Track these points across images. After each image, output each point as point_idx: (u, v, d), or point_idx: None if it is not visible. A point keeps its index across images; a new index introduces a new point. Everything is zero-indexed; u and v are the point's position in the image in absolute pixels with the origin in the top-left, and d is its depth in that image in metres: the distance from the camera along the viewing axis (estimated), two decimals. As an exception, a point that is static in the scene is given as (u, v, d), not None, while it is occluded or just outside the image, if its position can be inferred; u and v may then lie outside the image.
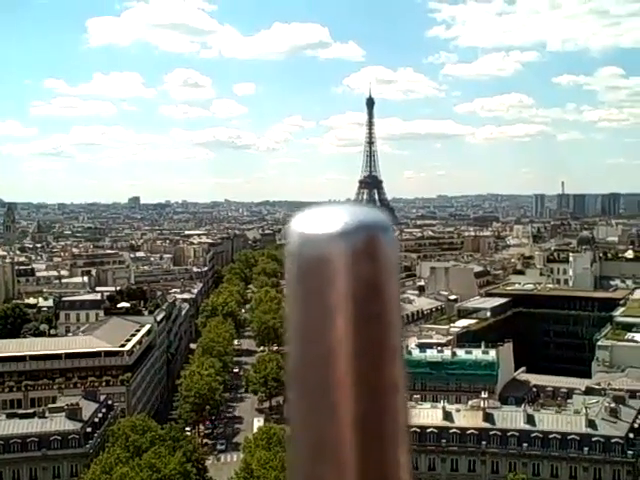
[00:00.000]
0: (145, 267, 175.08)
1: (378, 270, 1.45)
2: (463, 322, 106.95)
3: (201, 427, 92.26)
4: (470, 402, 68.54)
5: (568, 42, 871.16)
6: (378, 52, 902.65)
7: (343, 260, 1.43)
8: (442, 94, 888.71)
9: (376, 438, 1.35)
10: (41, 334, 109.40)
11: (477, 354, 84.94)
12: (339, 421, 1.33)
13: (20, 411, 72.61)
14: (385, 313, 1.44)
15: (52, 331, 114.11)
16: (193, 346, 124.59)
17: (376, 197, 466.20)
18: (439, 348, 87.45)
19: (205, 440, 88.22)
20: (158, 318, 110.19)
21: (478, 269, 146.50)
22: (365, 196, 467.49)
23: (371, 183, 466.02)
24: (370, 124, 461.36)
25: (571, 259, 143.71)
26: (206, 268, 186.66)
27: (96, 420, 71.00)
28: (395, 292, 1.48)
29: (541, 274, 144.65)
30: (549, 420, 64.33)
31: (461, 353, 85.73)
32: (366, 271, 1.43)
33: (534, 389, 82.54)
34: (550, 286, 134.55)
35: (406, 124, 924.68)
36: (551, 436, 62.31)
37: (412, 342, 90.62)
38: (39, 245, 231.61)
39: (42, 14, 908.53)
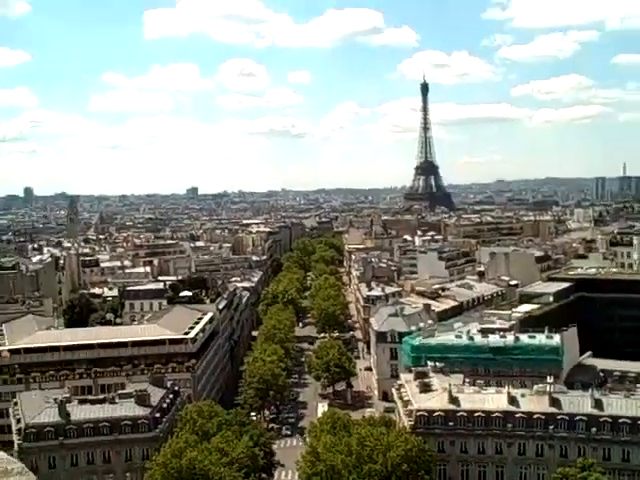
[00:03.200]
0: (205, 256, 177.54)
1: None
2: (525, 307, 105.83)
3: (266, 412, 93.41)
4: (535, 387, 67.86)
5: (628, 19, 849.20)
6: (432, 36, 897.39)
7: None
8: (498, 77, 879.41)
9: None
10: (107, 323, 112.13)
11: (541, 339, 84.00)
12: None
13: (91, 397, 74.40)
14: None
15: (118, 320, 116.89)
16: (255, 333, 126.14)
17: (432, 183, 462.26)
18: (502, 333, 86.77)
19: (271, 425, 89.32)
20: (220, 306, 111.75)
21: (539, 254, 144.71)
22: (421, 182, 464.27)
23: (427, 169, 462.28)
24: (425, 110, 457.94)
25: (635, 242, 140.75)
26: (265, 257, 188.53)
27: (164, 405, 72.34)
28: None
29: (604, 258, 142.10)
30: (618, 405, 63.29)
31: (524, 338, 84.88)
32: None
33: (601, 374, 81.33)
34: (614, 270, 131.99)
35: (461, 109, 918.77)
36: (621, 421, 61.35)
37: (474, 328, 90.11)
38: (102, 236, 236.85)
39: (99, 9, 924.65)
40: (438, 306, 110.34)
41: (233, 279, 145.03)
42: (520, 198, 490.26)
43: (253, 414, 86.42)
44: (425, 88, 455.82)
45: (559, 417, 62.60)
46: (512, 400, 65.09)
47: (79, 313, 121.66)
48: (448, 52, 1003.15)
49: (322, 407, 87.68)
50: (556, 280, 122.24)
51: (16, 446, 61.21)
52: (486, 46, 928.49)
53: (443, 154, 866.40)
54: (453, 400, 66.00)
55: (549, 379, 68.16)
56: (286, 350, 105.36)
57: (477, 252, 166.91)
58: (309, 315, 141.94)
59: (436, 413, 65.37)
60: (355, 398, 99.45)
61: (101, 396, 74.22)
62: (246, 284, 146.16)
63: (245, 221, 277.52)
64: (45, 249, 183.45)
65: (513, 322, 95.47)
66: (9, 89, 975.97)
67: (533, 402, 64.98)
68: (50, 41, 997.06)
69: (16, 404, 72.31)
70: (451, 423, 64.69)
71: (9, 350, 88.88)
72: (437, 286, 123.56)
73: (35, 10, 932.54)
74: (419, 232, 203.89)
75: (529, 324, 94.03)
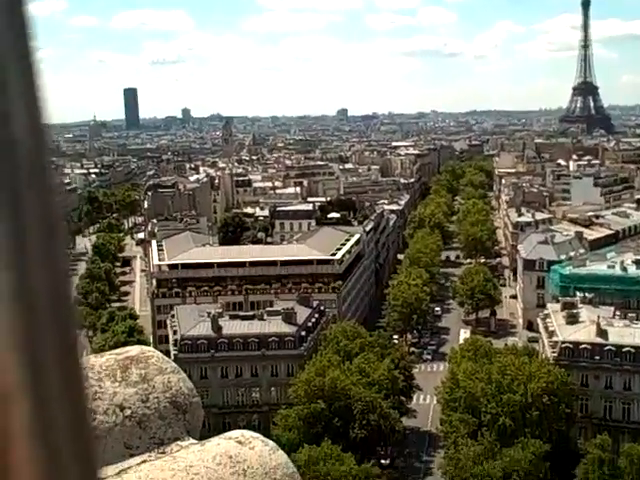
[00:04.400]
0: (354, 178, 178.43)
1: None
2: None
3: (408, 336, 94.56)
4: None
5: None
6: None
7: None
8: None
9: None
10: (259, 242, 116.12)
11: None
12: None
13: (241, 313, 78.12)
14: None
15: (268, 239, 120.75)
16: (400, 257, 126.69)
17: (591, 104, 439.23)
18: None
19: (412, 349, 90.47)
20: (367, 229, 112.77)
21: None
22: (579, 104, 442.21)
23: (586, 89, 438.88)
24: (585, 26, 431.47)
25: None
26: (413, 179, 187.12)
27: (309, 324, 74.89)
28: None
29: None
30: None
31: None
32: None
33: None
34: None
35: (625, 25, 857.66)
36: None
37: (628, 258, 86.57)
38: (254, 157, 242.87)
39: None
40: (591, 234, 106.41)
41: (381, 202, 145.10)
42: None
43: (395, 337, 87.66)
44: (587, 3, 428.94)
45: None
46: (665, 336, 62.71)
47: (232, 232, 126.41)
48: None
49: (464, 334, 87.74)
50: None
51: (172, 356, 65.43)
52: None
53: (604, 74, 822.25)
54: (601, 333, 64.28)
55: None
56: (431, 274, 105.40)
57: (637, 178, 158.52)
58: (456, 240, 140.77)
59: (582, 346, 64.02)
60: (498, 326, 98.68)
61: (251, 312, 77.73)
62: (394, 207, 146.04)
63: (394, 143, 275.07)
64: (201, 169, 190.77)
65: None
66: (167, 11, 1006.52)
67: (688, 339, 62.32)
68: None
69: (173, 317, 77.15)
70: (597, 357, 63.21)
71: (168, 265, 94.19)
72: (591, 213, 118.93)
73: None
74: (574, 156, 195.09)
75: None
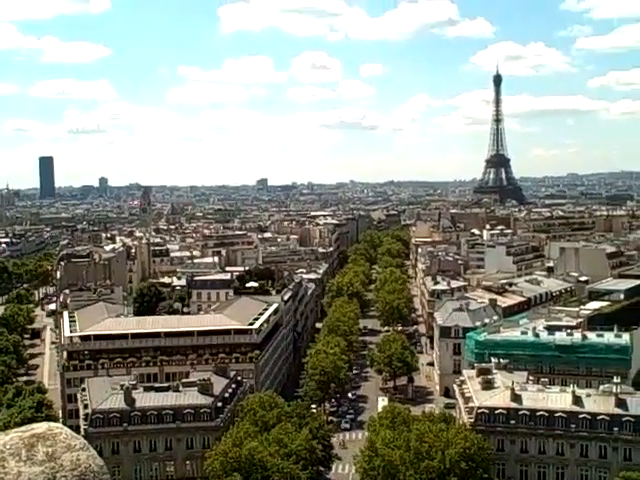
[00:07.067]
0: (272, 248, 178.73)
1: None
2: (594, 304, 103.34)
3: (326, 405, 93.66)
4: (601, 387, 66.39)
5: None
6: (508, 28, 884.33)
7: None
8: (574, 69, 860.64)
9: None
10: (175, 312, 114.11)
11: (609, 337, 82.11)
12: None
13: (156, 385, 75.93)
14: None
15: (185, 309, 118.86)
16: (319, 325, 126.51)
17: (503, 176, 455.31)
18: (568, 331, 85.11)
19: (330, 418, 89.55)
20: (285, 297, 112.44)
21: (611, 250, 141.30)
22: (492, 175, 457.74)
23: (498, 162, 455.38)
24: (497, 102, 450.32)
25: None
26: (331, 249, 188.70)
27: (226, 395, 73.33)
28: None
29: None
30: (687, 408, 61.40)
31: (592, 336, 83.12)
32: None
33: (671, 375, 78.94)
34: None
35: (535, 101, 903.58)
36: (689, 424, 59.57)
37: (540, 325, 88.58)
38: (173, 227, 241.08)
39: (177, 5, 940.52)
40: (504, 301, 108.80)
41: (299, 271, 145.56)
42: (593, 192, 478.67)
43: (313, 406, 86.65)
44: (498, 80, 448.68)
45: (624, 419, 61.09)
46: (577, 400, 63.78)
47: (148, 302, 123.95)
48: (524, 43, 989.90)
49: (382, 401, 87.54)
50: (628, 277, 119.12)
51: (82, 431, 62.96)
52: (563, 37, 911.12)
53: (515, 147, 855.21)
54: (515, 398, 65.10)
55: (616, 379, 66.50)
56: (349, 343, 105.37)
57: (546, 247, 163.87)
58: (373, 308, 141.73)
59: (497, 411, 64.60)
60: (416, 393, 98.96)
61: (166, 384, 75.66)
62: (312, 276, 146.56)
63: (313, 213, 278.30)
64: (118, 238, 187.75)
65: (581, 319, 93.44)
66: (90, 81, 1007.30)
67: (598, 403, 63.54)
68: (129, 36, 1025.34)
69: (84, 390, 74.38)
70: (512, 422, 63.84)
71: (80, 336, 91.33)
72: (504, 281, 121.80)
73: (115, 6, 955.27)
74: (488, 226, 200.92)
75: (598, 322, 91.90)
